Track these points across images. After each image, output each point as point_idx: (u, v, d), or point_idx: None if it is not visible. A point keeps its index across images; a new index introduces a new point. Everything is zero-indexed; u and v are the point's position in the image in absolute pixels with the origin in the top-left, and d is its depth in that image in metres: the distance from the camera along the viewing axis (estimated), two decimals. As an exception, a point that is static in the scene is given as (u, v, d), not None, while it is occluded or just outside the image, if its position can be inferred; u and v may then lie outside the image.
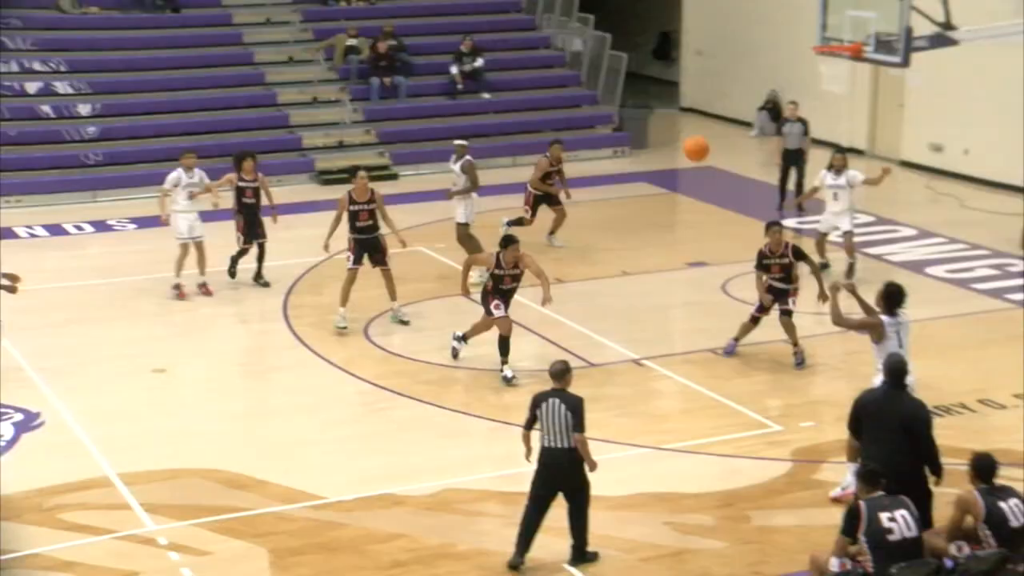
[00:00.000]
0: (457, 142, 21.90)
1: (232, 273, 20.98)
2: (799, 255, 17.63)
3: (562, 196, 23.00)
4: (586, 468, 12.45)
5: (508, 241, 17.36)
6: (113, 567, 12.69)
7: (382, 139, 29.16)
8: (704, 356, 17.85)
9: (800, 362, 17.55)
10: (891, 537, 10.82)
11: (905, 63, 20.79)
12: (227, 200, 20.80)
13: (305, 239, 21.96)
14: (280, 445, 15.46)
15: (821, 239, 21.26)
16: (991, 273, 21.33)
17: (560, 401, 12.39)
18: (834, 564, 11.02)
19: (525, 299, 19.99)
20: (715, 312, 19.63)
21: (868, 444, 12.25)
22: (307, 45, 30.64)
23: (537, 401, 12.51)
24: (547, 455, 12.44)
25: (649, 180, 27.96)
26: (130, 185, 26.49)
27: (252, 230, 20.79)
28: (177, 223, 20.30)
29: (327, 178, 27.64)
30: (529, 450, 12.68)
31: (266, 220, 20.81)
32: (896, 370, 12.33)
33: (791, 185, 25.00)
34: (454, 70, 30.24)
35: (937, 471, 12.09)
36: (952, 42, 20.96)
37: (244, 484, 14.36)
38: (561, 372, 12.66)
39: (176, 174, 20.34)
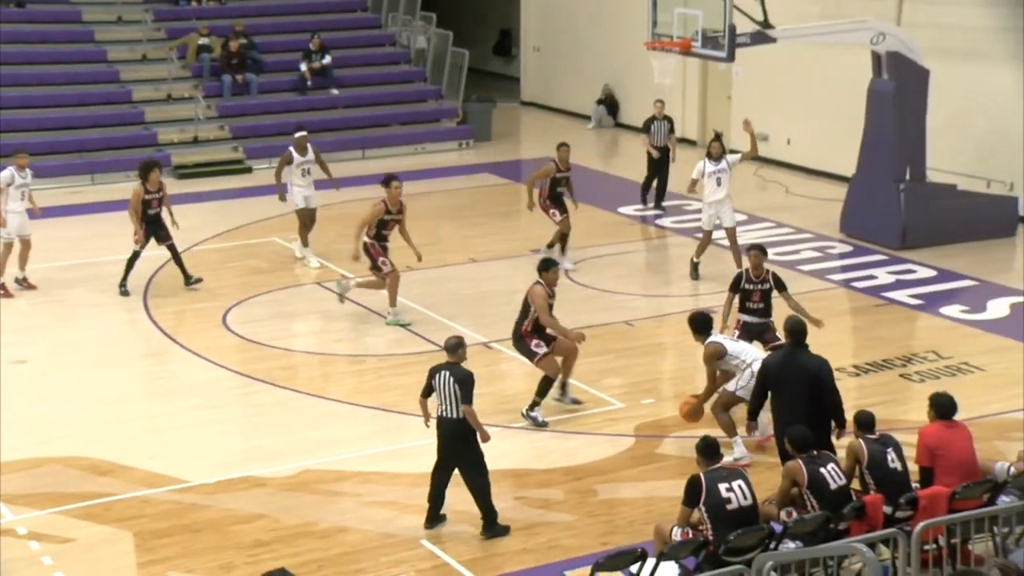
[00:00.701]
0: (299, 134, 21.50)
1: (125, 291, 19.78)
2: (780, 285, 15.89)
3: (570, 206, 20.87)
4: (479, 440, 12.61)
5: (548, 264, 15.62)
6: (-30, 559, 12.37)
7: (235, 134, 28.81)
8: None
9: None
10: (729, 507, 11.02)
11: (730, 58, 21.20)
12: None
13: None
14: (143, 431, 15.21)
15: (706, 238, 20.36)
16: (814, 255, 21.77)
17: (450, 374, 12.62)
18: (677, 533, 11.18)
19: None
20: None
21: (778, 405, 12.81)
22: (160, 44, 30.13)
23: (432, 372, 12.80)
24: (440, 424, 12.71)
25: (493, 171, 28.01)
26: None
27: (157, 235, 19.76)
28: (8, 221, 19.60)
29: (183, 172, 27.26)
30: (427, 416, 12.90)
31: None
32: (797, 329, 12.99)
33: (655, 184, 24.61)
34: (303, 67, 29.99)
35: (842, 422, 12.67)
36: (771, 40, 21.46)
37: (107, 470, 14.12)
38: (454, 347, 12.89)
39: (9, 172, 19.62)
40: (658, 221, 24.00)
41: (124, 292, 19.76)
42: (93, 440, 14.91)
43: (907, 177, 22.16)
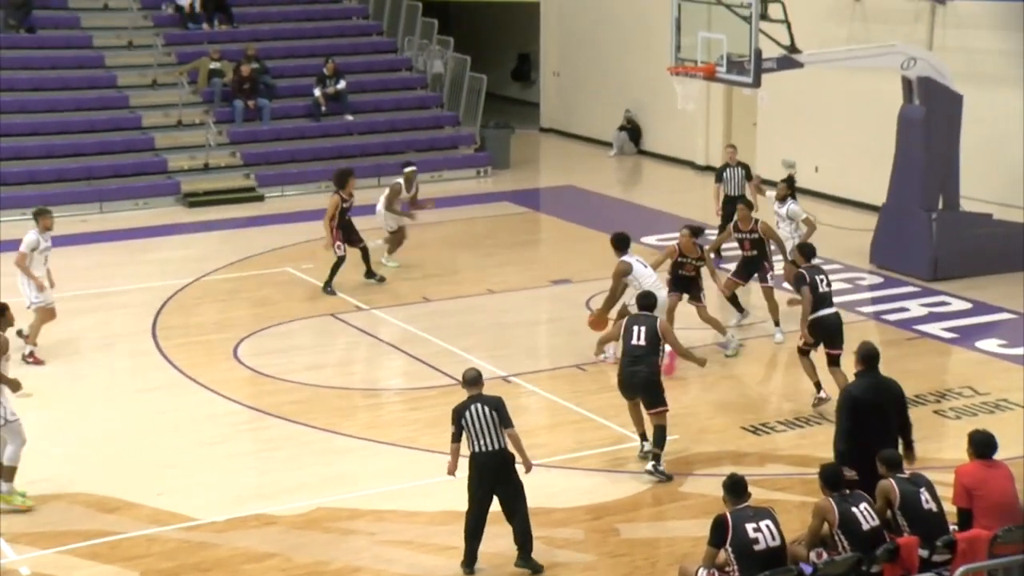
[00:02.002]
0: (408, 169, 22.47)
1: (330, 290, 21.08)
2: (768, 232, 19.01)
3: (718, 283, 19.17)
4: (519, 469, 12.54)
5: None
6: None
7: (247, 161, 28.86)
8: (569, 372, 17.88)
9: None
10: (756, 547, 10.90)
11: (756, 84, 21.16)
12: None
13: (172, 261, 21.68)
14: (150, 467, 15.16)
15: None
16: (843, 287, 21.64)
17: (482, 404, 12.51)
18: (702, 575, 11.07)
19: (390, 317, 19.97)
20: (579, 328, 19.63)
21: (866, 432, 12.49)
22: (170, 68, 30.22)
23: (460, 412, 12.55)
24: (479, 460, 12.48)
25: (511, 199, 28.01)
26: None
27: (350, 237, 21.17)
28: (30, 287, 18.35)
29: (193, 200, 27.29)
30: (455, 465, 12.68)
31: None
32: (872, 355, 12.85)
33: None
34: (317, 92, 30.06)
35: (912, 444, 12.85)
36: (798, 65, 21.44)
37: (114, 507, 14.07)
38: (475, 378, 12.77)
39: (35, 237, 18.24)
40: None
41: (330, 292, 21.04)
42: (99, 476, 14.86)
43: (939, 206, 22.09)
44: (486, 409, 12.48)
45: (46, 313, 18.44)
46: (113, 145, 28.27)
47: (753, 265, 19.33)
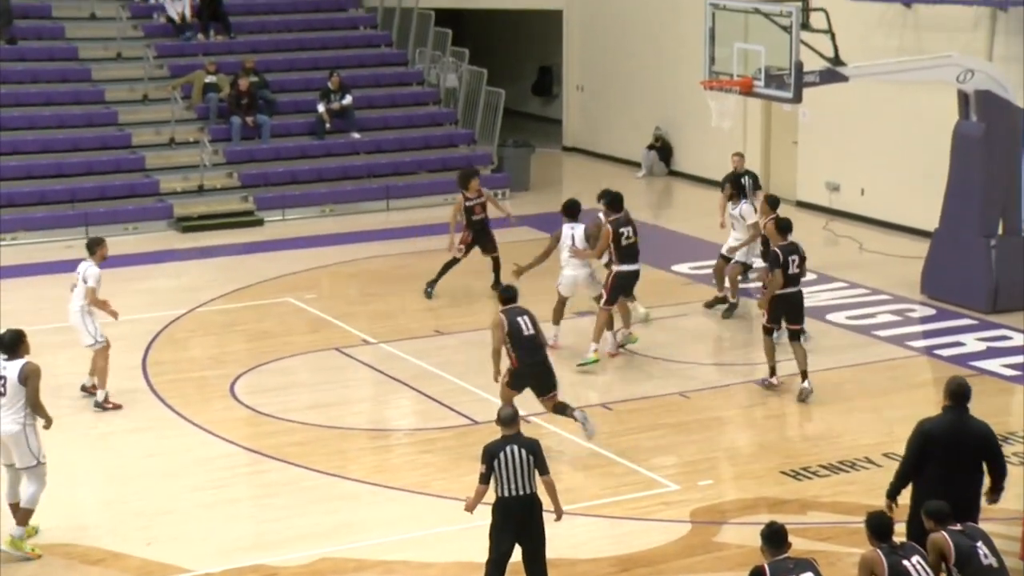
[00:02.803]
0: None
1: (430, 291, 22.39)
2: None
3: None
4: (545, 518, 12.60)
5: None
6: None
7: (245, 183, 28.99)
8: (595, 411, 17.87)
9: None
10: (797, 600, 10.90)
11: (797, 99, 21.19)
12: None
13: (164, 291, 21.80)
14: (139, 514, 15.21)
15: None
16: (893, 319, 21.68)
17: (519, 446, 12.50)
18: (739, 631, 11.07)
19: (400, 351, 20.03)
20: (605, 363, 19.73)
21: (936, 477, 12.47)
22: (162, 82, 30.39)
23: (493, 452, 12.52)
24: (508, 505, 12.49)
25: (532, 224, 28.01)
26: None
27: (483, 244, 22.40)
28: (95, 326, 18.37)
29: (187, 225, 27.42)
30: (476, 505, 12.70)
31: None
32: (961, 392, 12.79)
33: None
34: (321, 108, 30.20)
35: (1000, 491, 12.89)
36: (843, 78, 21.46)
37: (99, 559, 14.13)
38: (512, 417, 12.75)
39: (99, 271, 18.20)
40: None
41: (429, 293, 22.35)
42: (83, 525, 14.92)
43: (999, 231, 22.09)
44: (522, 452, 12.48)
45: (105, 355, 18.43)
46: (100, 165, 28.42)
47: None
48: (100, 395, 18.31)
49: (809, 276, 23.04)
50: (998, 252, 21.91)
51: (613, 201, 19.93)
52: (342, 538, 14.54)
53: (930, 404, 18.47)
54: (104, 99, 29.94)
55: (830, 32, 21.10)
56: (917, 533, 12.17)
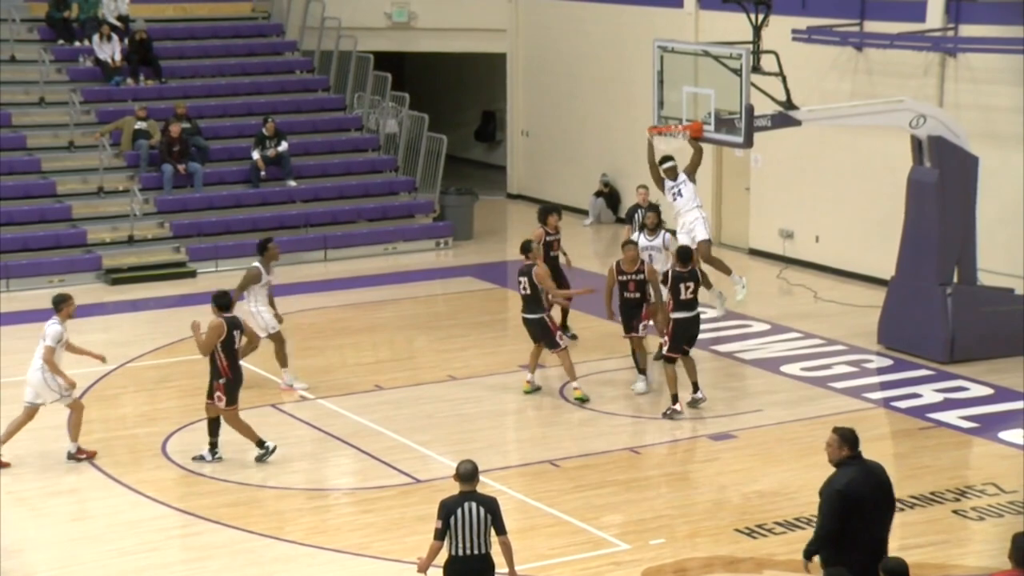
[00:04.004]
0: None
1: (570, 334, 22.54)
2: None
3: None
4: None
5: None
6: None
7: (177, 233, 28.90)
8: (542, 468, 17.88)
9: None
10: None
11: (748, 143, 21.30)
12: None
13: (92, 346, 21.48)
14: (65, 581, 15.10)
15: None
16: (848, 370, 21.77)
17: (477, 504, 12.40)
18: None
19: (338, 407, 19.97)
20: (552, 419, 19.73)
21: (859, 528, 12.14)
22: (89, 128, 30.30)
23: (450, 509, 12.40)
24: (458, 566, 12.39)
25: (475, 274, 28.11)
26: None
27: (556, 279, 21.91)
28: (57, 382, 18.15)
29: (116, 277, 27.30)
30: (429, 565, 12.55)
31: None
32: (856, 437, 12.30)
33: None
34: (255, 155, 30.18)
35: None
36: (795, 122, 21.59)
37: (24, 628, 13.99)
38: (472, 473, 12.59)
39: (60, 330, 18.18)
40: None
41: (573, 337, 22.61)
42: (7, 592, 14.78)
43: (955, 280, 22.24)
44: (481, 510, 12.39)
45: (78, 407, 18.42)
46: (23, 215, 28.24)
47: (636, 309, 20.63)
48: (72, 447, 18.31)
49: (763, 326, 23.23)
50: (954, 301, 22.04)
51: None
52: (279, 603, 14.46)
53: (888, 457, 18.59)
54: (26, 146, 29.77)
55: (781, 75, 21.24)
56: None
